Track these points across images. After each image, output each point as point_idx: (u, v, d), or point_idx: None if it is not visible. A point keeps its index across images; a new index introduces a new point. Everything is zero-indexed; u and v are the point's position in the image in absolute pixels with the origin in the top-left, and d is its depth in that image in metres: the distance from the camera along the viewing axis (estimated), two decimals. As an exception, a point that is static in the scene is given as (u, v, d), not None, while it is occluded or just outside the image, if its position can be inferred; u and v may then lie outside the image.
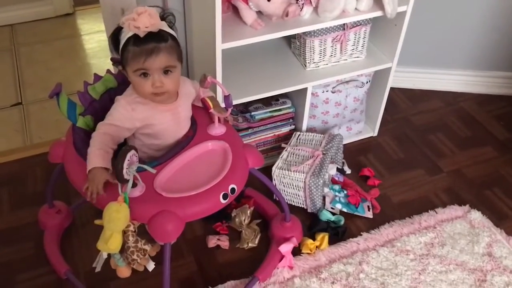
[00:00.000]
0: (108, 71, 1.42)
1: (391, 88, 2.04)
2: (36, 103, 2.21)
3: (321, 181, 1.64)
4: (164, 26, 1.22)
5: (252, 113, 1.82)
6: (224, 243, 1.62)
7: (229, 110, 1.35)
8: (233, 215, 1.68)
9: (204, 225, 1.66)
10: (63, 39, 2.64)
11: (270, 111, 1.84)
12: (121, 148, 1.14)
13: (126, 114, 1.24)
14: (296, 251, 1.60)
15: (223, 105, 1.38)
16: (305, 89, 1.76)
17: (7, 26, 2.72)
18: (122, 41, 1.20)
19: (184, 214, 1.18)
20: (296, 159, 1.74)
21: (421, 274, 1.54)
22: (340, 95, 1.85)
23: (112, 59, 1.39)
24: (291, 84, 1.73)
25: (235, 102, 1.64)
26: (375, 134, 2.08)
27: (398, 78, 2.27)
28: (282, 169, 1.69)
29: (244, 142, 1.80)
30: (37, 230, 1.61)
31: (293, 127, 1.91)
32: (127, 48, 1.19)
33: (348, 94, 1.87)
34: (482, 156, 1.99)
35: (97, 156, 1.17)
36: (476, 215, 1.72)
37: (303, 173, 1.66)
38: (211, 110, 1.35)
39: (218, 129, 1.36)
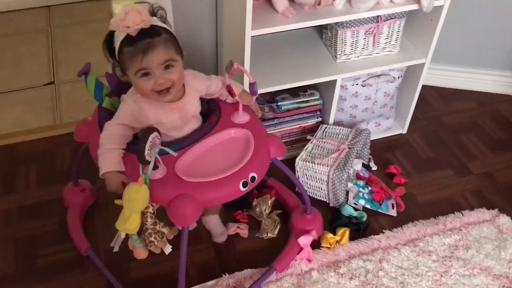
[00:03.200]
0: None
1: (423, 86, 1.99)
2: (68, 83, 2.25)
3: (345, 175, 1.61)
4: (156, 22, 1.20)
5: (279, 103, 1.80)
6: (244, 231, 1.62)
7: (254, 97, 1.34)
8: (254, 204, 1.67)
9: (225, 212, 1.66)
10: (97, 22, 2.67)
11: (297, 102, 1.82)
12: (144, 130, 1.14)
13: (133, 114, 1.23)
14: (316, 245, 1.58)
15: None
16: (334, 81, 1.73)
17: (44, 7, 2.77)
18: (117, 45, 1.18)
19: (203, 199, 1.17)
20: (321, 151, 1.71)
21: (442, 276, 1.50)
22: (370, 89, 1.81)
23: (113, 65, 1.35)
24: (320, 75, 1.70)
25: (261, 91, 1.63)
26: (404, 131, 2.03)
27: (432, 76, 2.21)
28: (306, 161, 1.67)
29: (269, 132, 1.80)
30: (62, 207, 1.64)
31: (320, 119, 1.88)
32: (123, 51, 1.17)
33: (379, 89, 1.83)
34: (515, 160, 1.93)
35: (109, 159, 1.18)
36: (505, 220, 1.66)
37: (327, 166, 1.64)
38: (236, 97, 1.34)
39: (242, 117, 1.35)
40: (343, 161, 1.65)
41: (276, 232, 1.62)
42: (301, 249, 1.52)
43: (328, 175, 1.63)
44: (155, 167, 1.17)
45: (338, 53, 1.73)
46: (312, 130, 1.86)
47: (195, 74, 1.34)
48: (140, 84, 1.20)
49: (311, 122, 1.87)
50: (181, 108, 1.28)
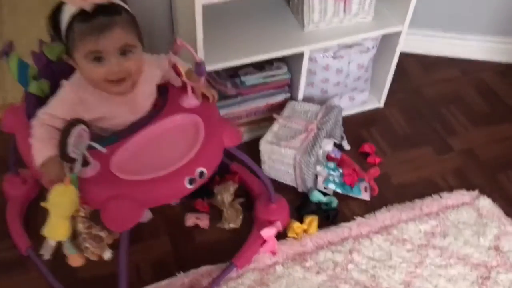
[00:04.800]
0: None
1: (403, 53, 1.83)
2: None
3: (313, 159, 1.47)
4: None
5: (242, 78, 1.63)
6: (204, 222, 1.48)
7: (202, 78, 1.17)
8: (215, 192, 1.53)
9: (183, 201, 1.52)
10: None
11: (263, 77, 1.65)
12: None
13: (71, 107, 1.06)
14: (282, 235, 1.45)
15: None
16: (302, 54, 1.56)
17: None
18: (65, 20, 1.01)
19: (142, 200, 1.03)
20: (287, 132, 1.56)
21: (417, 267, 1.39)
22: (342, 61, 1.64)
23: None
24: (286, 46, 1.53)
25: (219, 67, 1.46)
26: (381, 105, 1.88)
27: (412, 42, 2.04)
28: (271, 144, 1.52)
29: (231, 111, 1.64)
30: (0, 200, 1.48)
31: (288, 95, 1.72)
32: (73, 28, 1.00)
33: (351, 60, 1.66)
34: (499, 135, 1.79)
35: (45, 145, 1.01)
36: (486, 203, 1.54)
37: (293, 149, 1.49)
38: (183, 78, 1.17)
39: (190, 100, 1.19)
40: (311, 143, 1.50)
41: (238, 222, 1.49)
42: (264, 241, 1.40)
43: (294, 159, 1.49)
44: (86, 164, 1.02)
45: (305, 21, 1.55)
46: (281, 107, 1.70)
47: (147, 58, 1.17)
48: (89, 70, 1.03)
49: (279, 98, 1.71)
50: (131, 101, 1.12)
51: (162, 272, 1.37)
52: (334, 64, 1.64)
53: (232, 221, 1.48)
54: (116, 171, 1.03)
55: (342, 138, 1.71)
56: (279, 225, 1.41)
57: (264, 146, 1.53)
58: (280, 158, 1.52)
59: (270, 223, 1.42)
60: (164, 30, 1.72)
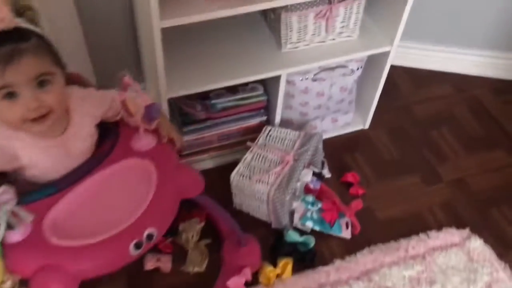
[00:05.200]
0: None
1: (392, 66, 1.67)
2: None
3: (288, 196, 1.32)
4: (23, 24, 0.86)
5: (213, 101, 1.47)
6: (165, 265, 1.34)
7: (155, 122, 1.01)
8: (180, 229, 1.38)
9: (144, 239, 1.37)
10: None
11: (236, 100, 1.50)
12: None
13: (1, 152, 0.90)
14: (254, 279, 1.31)
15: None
16: (279, 77, 1.40)
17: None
18: None
19: (78, 271, 0.88)
20: (261, 164, 1.41)
21: (400, 321, 1.26)
22: (323, 84, 1.49)
23: None
24: (260, 70, 1.37)
25: (188, 92, 1.31)
26: (366, 127, 1.73)
27: (403, 55, 1.88)
28: (243, 177, 1.37)
29: (201, 135, 1.49)
30: None
31: (264, 118, 1.57)
32: None
33: (334, 83, 1.51)
34: (492, 163, 1.65)
35: None
36: (477, 244, 1.41)
37: (267, 184, 1.35)
38: (134, 118, 1.02)
39: (143, 141, 1.03)
40: (287, 177, 1.35)
41: (204, 266, 1.34)
42: (231, 290, 1.26)
43: (268, 195, 1.34)
44: (11, 227, 0.86)
45: (282, 41, 1.39)
46: (256, 130, 1.54)
47: (86, 93, 1.01)
48: (2, 110, 0.87)
49: (254, 121, 1.56)
50: (63, 145, 0.96)
51: (116, 326, 1.23)
52: (314, 87, 1.49)
53: (197, 264, 1.34)
54: (49, 234, 0.88)
55: (322, 165, 1.57)
56: (248, 273, 1.26)
57: (236, 180, 1.38)
58: (252, 193, 1.38)
59: (239, 268, 1.27)
60: (128, 60, 1.57)
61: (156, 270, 1.33)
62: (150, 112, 0.97)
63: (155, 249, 1.36)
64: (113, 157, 1.00)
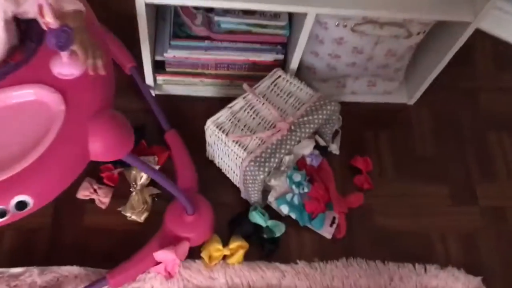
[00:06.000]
0: None
1: (478, 30, 1.23)
2: None
3: (262, 176, 1.02)
4: None
5: (218, 19, 1.12)
6: (103, 199, 1.11)
7: (65, 54, 0.70)
8: (132, 163, 1.13)
9: (89, 164, 1.14)
10: None
11: (249, 24, 1.14)
12: None
13: None
14: (195, 252, 1.08)
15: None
16: (305, 15, 1.02)
17: None
18: None
19: None
20: (250, 119, 1.09)
21: None
22: (364, 39, 1.10)
23: None
24: (282, 0, 0.99)
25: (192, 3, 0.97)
26: (410, 102, 1.34)
27: (495, 18, 1.41)
28: (220, 129, 1.07)
29: (196, 56, 1.17)
30: None
31: (280, 57, 1.21)
32: None
33: (379, 42, 1.11)
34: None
35: None
36: (482, 301, 1.10)
37: (243, 150, 1.04)
38: (50, 22, 0.69)
39: (66, 67, 0.73)
40: (270, 149, 1.04)
41: (142, 217, 1.11)
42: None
43: (241, 163, 1.05)
44: None
45: (325, -33, 0.98)
46: (266, 69, 1.20)
47: None
48: None
49: (266, 58, 1.21)
50: None
51: (20, 258, 1.04)
52: (352, 40, 1.10)
53: (136, 213, 1.10)
54: None
55: (334, 137, 1.23)
56: (181, 250, 1.02)
57: (211, 130, 1.08)
58: (226, 150, 1.09)
59: (177, 238, 1.03)
60: None
61: (91, 201, 1.12)
62: (50, 37, 0.65)
63: (97, 176, 1.13)
64: (20, 76, 0.72)
